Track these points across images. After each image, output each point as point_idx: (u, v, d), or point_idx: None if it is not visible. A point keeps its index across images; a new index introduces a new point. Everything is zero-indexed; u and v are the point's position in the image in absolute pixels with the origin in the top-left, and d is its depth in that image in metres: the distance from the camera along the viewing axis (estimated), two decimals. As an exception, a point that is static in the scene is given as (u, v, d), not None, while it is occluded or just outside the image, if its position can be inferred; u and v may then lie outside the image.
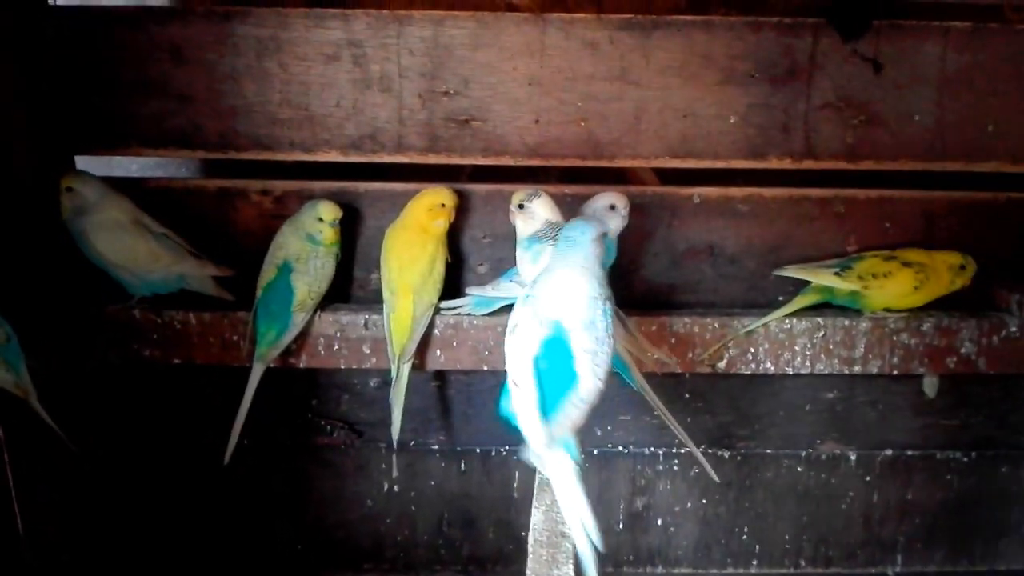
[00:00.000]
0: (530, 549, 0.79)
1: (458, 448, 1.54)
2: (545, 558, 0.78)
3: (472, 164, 1.42)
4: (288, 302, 1.30)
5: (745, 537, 1.60)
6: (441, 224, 1.31)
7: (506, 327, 1.30)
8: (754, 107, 1.36)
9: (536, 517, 0.82)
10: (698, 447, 1.49)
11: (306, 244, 1.30)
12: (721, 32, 1.33)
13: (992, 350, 1.38)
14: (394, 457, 1.47)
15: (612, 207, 1.28)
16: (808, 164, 1.39)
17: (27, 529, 1.25)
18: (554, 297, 0.93)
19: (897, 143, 1.37)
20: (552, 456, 0.84)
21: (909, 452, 1.56)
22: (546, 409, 0.86)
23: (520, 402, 0.86)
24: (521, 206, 1.20)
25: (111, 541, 1.50)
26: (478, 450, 1.54)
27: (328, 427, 1.52)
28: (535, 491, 0.88)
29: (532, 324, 0.91)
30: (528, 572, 0.79)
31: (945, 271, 1.34)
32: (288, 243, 1.31)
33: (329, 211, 1.30)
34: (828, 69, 1.34)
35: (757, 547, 1.60)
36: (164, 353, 1.33)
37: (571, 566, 0.77)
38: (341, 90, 1.34)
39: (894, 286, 1.33)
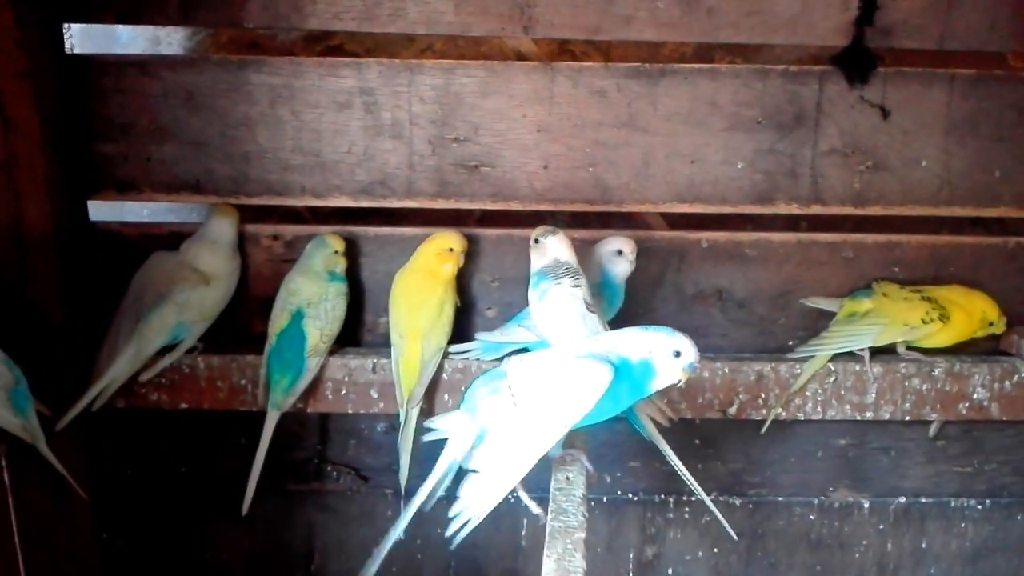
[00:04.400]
0: (542, 599, 0.79)
1: (466, 494, 1.52)
2: (557, 608, 0.77)
3: (481, 209, 1.43)
4: (301, 348, 1.30)
5: (757, 587, 1.58)
6: (450, 268, 1.31)
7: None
8: (761, 153, 1.37)
9: (548, 566, 0.82)
10: (709, 494, 1.47)
11: (318, 286, 1.31)
12: (727, 80, 1.34)
13: (1004, 396, 1.38)
14: (401, 504, 1.46)
15: (619, 252, 1.29)
16: (816, 209, 1.39)
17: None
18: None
19: (904, 188, 1.38)
20: None
21: (923, 499, 1.54)
22: None
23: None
24: (536, 241, 1.22)
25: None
26: (486, 496, 1.52)
27: (334, 472, 1.51)
28: (546, 539, 0.87)
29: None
30: (539, 620, 0.78)
31: (978, 320, 1.35)
32: (302, 289, 1.31)
33: (340, 242, 1.33)
34: (834, 116, 1.35)
35: (770, 597, 1.58)
36: (172, 398, 1.33)
37: (583, 615, 0.76)
38: (352, 137, 1.35)
39: (907, 307, 1.34)
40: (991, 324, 1.37)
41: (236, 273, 1.35)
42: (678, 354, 0.95)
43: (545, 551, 0.85)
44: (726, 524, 1.29)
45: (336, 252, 1.33)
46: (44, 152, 1.25)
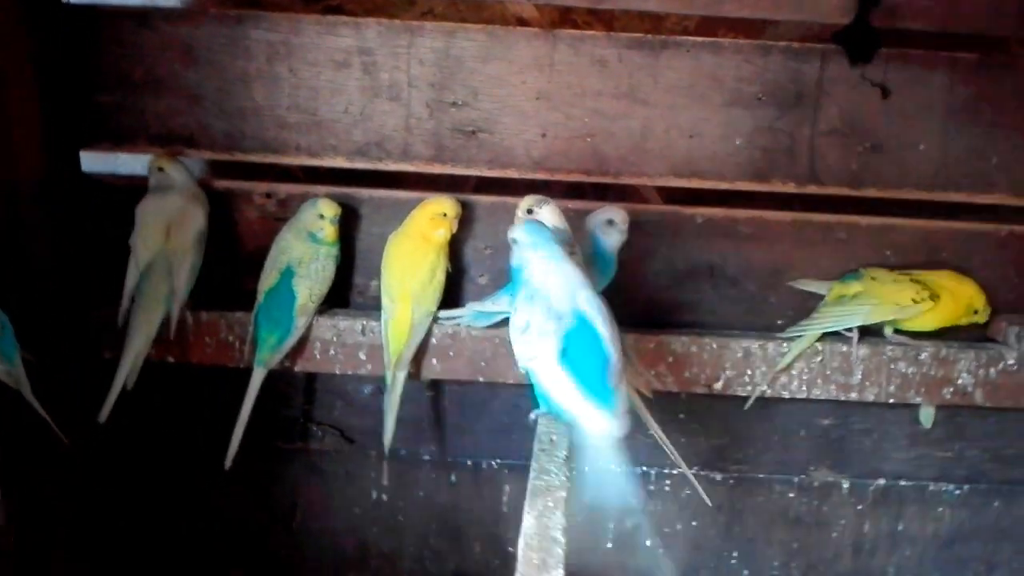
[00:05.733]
0: (520, 553, 0.79)
1: (449, 459, 1.53)
2: (536, 562, 0.78)
3: (477, 176, 1.42)
4: (290, 306, 1.30)
5: (734, 561, 1.59)
6: (443, 234, 1.31)
7: (503, 339, 1.31)
8: (760, 130, 1.36)
9: (528, 522, 0.82)
10: (691, 468, 1.48)
11: (308, 246, 1.30)
12: (729, 54, 1.34)
13: (989, 382, 1.38)
14: (384, 465, 1.46)
15: (610, 222, 1.29)
16: (812, 189, 1.39)
17: (13, 522, 1.24)
18: (566, 290, 1.01)
19: (901, 171, 1.38)
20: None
21: (902, 482, 1.55)
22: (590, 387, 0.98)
23: (561, 391, 0.98)
24: (530, 211, 1.22)
25: (99, 537, 1.48)
26: (469, 462, 1.53)
27: (320, 432, 1.52)
28: (527, 496, 0.88)
29: (550, 320, 1.00)
30: (517, 575, 0.79)
31: (964, 306, 1.36)
32: (291, 247, 1.31)
33: (330, 208, 1.30)
34: (835, 95, 1.35)
35: (746, 572, 1.59)
36: (158, 351, 1.33)
37: (561, 570, 0.77)
38: (350, 96, 1.34)
39: (897, 289, 1.34)
40: (975, 312, 1.37)
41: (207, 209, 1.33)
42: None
43: (526, 507, 0.86)
44: (703, 493, 1.31)
45: (321, 216, 1.30)
46: (39, 102, 1.24)
